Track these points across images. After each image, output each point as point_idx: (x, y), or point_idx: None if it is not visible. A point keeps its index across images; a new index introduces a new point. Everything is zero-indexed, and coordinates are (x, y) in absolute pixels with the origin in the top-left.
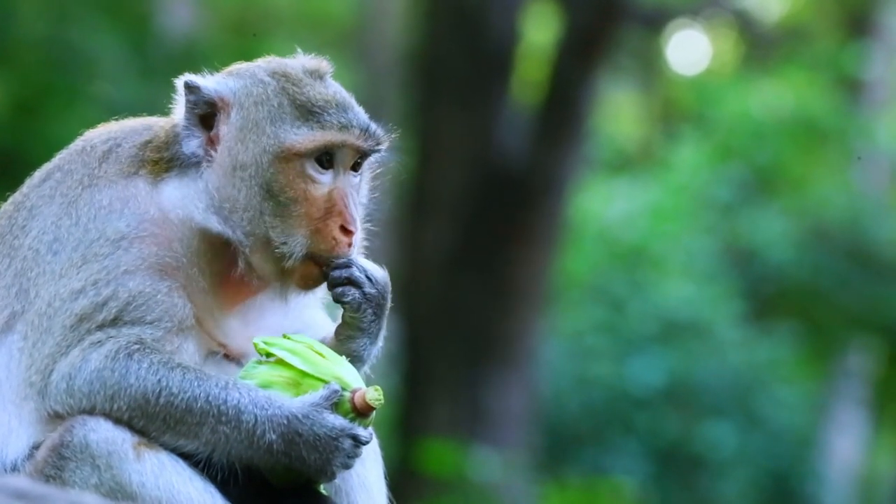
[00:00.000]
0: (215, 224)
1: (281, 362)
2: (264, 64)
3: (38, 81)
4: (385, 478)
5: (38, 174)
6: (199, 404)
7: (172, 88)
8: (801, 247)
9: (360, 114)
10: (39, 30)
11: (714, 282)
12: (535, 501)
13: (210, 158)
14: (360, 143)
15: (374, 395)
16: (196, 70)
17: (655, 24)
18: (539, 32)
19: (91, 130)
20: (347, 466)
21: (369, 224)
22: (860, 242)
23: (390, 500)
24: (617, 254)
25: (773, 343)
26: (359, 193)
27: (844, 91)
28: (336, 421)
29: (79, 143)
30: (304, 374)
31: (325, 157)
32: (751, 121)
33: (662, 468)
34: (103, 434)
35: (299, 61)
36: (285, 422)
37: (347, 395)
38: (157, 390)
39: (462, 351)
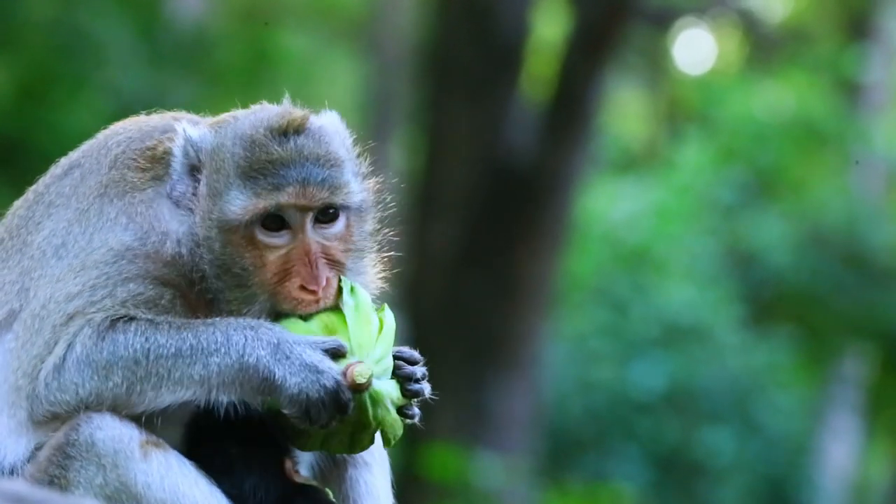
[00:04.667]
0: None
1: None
2: (242, 119)
3: (44, 67)
4: (391, 484)
5: (62, 165)
6: (187, 343)
7: (180, 76)
8: (799, 251)
9: (305, 168)
10: (46, 13)
11: (715, 285)
12: None
13: (192, 213)
14: (294, 201)
15: (360, 370)
16: (204, 59)
17: (662, 22)
18: (548, 29)
19: (117, 124)
20: (325, 417)
21: (368, 257)
22: (857, 247)
23: None
24: (620, 255)
25: (771, 348)
26: (347, 241)
27: (844, 94)
28: (324, 361)
29: (100, 137)
30: (331, 333)
31: (273, 221)
32: (753, 122)
33: (662, 474)
34: (110, 432)
35: (271, 117)
36: (276, 341)
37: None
38: (147, 349)
39: (466, 353)
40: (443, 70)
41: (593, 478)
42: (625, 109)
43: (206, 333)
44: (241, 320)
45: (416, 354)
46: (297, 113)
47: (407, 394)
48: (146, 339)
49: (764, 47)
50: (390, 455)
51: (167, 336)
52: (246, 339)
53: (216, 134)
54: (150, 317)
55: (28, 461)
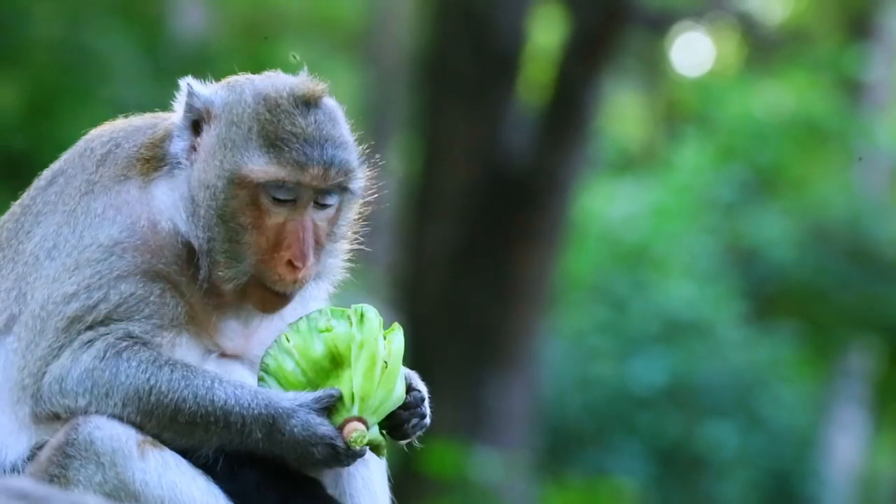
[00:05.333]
0: (194, 237)
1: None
2: (259, 81)
3: (52, 83)
4: (389, 479)
5: (45, 176)
6: (187, 405)
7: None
8: (802, 247)
9: (326, 150)
10: (53, 31)
11: (715, 282)
12: (536, 502)
13: (190, 165)
14: (316, 182)
15: (356, 436)
16: (207, 72)
17: (660, 26)
18: (545, 34)
19: (95, 129)
20: (330, 467)
21: (347, 250)
22: (861, 242)
23: (393, 501)
24: (619, 254)
25: (774, 343)
26: (333, 224)
27: (845, 92)
28: (320, 428)
29: (81, 143)
30: (337, 366)
31: (282, 190)
32: (753, 122)
33: (664, 469)
34: (108, 431)
35: (292, 84)
36: (270, 421)
37: (352, 413)
38: (148, 388)
39: (464, 351)
40: (441, 76)
41: (593, 473)
42: (622, 111)
43: (206, 398)
44: (243, 389)
45: (423, 407)
46: (317, 85)
47: (395, 436)
48: (148, 378)
49: (763, 48)
50: (388, 451)
51: (168, 384)
52: (244, 420)
53: (230, 90)
54: (152, 346)
55: (29, 460)
